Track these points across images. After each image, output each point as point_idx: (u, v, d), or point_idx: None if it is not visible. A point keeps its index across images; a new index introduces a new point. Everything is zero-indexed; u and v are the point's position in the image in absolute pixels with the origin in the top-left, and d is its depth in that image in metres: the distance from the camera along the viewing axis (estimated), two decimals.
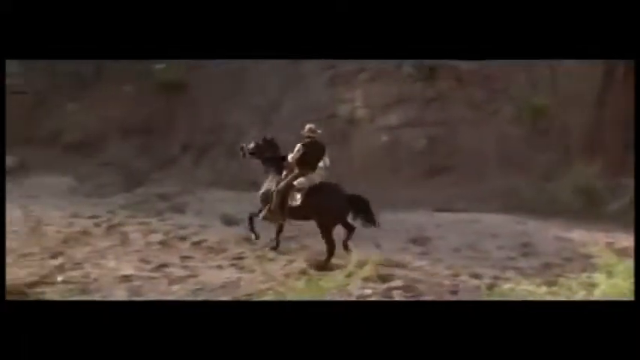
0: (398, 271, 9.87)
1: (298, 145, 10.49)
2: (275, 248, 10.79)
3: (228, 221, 12.32)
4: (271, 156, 11.05)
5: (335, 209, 10.30)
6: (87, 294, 8.76)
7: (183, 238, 11.43)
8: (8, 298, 7.76)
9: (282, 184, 10.51)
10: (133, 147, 16.25)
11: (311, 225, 10.55)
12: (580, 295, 6.97)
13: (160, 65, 16.96)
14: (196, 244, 11.15)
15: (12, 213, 12.59)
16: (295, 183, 10.38)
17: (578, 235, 11.84)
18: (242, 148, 11.15)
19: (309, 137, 10.60)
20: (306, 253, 10.54)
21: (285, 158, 10.71)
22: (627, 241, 10.41)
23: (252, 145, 11.17)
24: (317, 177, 10.48)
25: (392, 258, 10.36)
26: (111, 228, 12.02)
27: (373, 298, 8.41)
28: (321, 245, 10.37)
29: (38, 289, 8.79)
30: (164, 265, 10.03)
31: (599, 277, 7.05)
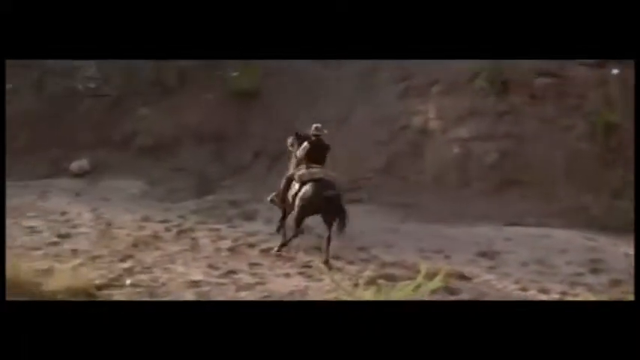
0: (466, 284, 9.96)
1: (305, 142, 11.33)
2: (278, 231, 11.72)
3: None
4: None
5: (308, 202, 10.91)
6: (155, 297, 9.03)
7: (252, 245, 11.60)
8: (75, 299, 8.05)
9: (287, 173, 11.56)
10: (206, 153, 16.37)
11: (379, 237, 10.74)
12: None
13: (234, 73, 17.23)
14: (265, 251, 11.31)
15: (83, 215, 13.02)
16: (297, 174, 11.22)
17: None
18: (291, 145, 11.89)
19: (315, 135, 11.36)
20: (375, 263, 10.68)
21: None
22: None
23: (290, 139, 11.97)
24: (320, 172, 11.17)
25: (461, 271, 10.45)
26: (181, 233, 12.24)
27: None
28: (389, 256, 10.55)
29: (107, 292, 9.12)
30: (232, 272, 10.28)
31: None
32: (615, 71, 14.89)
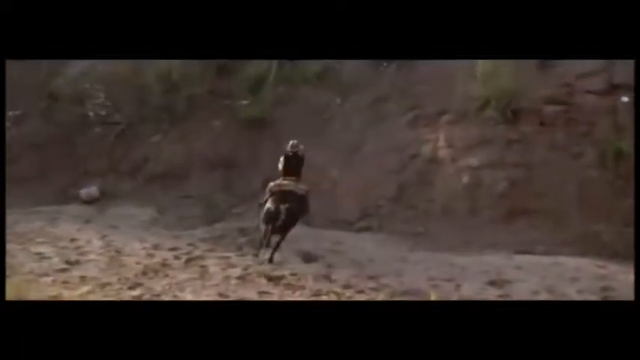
0: None
1: (281, 157, 12.34)
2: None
3: (307, 258, 12.42)
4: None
5: (266, 212, 11.87)
6: None
7: (261, 274, 11.54)
8: None
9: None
10: (216, 180, 16.49)
11: (389, 266, 10.71)
12: None
13: (244, 101, 17.31)
14: (275, 280, 11.25)
15: (93, 242, 13.03)
16: (269, 186, 12.15)
17: None
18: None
19: (291, 152, 12.30)
20: (385, 292, 10.66)
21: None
22: None
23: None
24: (290, 184, 12.06)
25: (471, 299, 10.41)
26: (190, 261, 12.21)
27: None
28: (399, 285, 10.52)
29: None
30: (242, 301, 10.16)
31: None
32: (625, 99, 14.88)
